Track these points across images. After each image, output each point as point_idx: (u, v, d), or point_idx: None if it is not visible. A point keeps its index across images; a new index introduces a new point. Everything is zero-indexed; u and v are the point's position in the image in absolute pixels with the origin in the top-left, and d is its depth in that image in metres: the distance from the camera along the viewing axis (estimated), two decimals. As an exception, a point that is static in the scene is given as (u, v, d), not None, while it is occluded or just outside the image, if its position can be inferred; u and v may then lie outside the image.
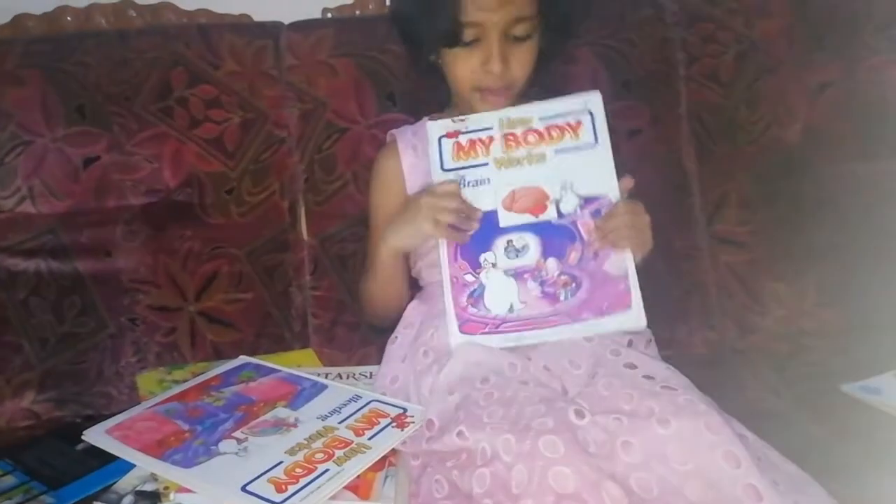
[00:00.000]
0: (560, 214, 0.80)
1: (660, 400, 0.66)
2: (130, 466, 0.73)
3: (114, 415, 0.79)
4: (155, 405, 0.80)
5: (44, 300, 0.97)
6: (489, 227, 0.81)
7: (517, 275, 0.80)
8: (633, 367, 0.72)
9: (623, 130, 1.04)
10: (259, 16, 1.10)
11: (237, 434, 0.73)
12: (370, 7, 1.11)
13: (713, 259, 1.08)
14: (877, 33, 1.11)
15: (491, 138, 0.84)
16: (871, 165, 1.10)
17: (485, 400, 0.70)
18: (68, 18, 1.07)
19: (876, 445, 0.81)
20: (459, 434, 0.67)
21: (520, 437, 0.63)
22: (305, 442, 0.72)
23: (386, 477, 0.72)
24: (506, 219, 0.81)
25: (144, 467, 0.72)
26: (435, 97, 0.96)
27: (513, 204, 0.81)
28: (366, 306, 0.96)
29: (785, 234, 1.09)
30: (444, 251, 0.81)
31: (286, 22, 1.08)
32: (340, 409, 0.77)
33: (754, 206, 1.09)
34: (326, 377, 0.88)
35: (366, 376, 0.93)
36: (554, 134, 0.82)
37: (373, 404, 0.78)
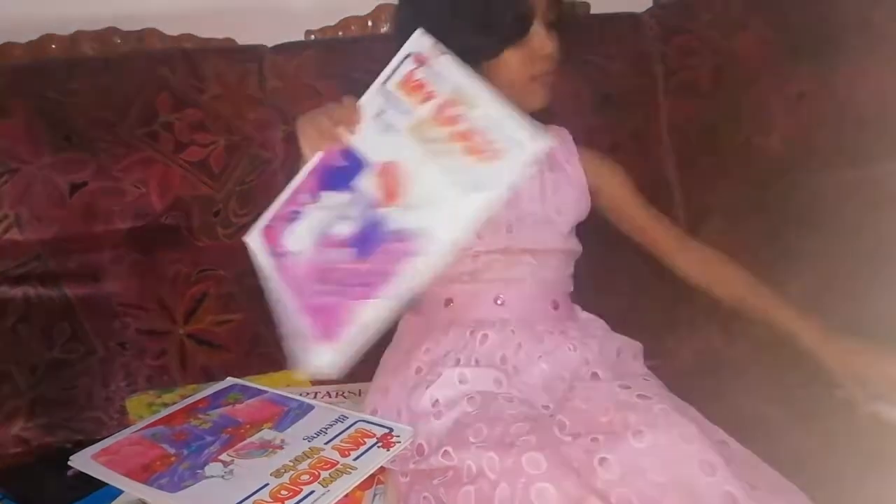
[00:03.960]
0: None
1: (636, 410, 0.66)
2: (120, 492, 0.73)
3: (103, 439, 0.79)
4: (141, 429, 0.80)
5: (32, 326, 0.98)
6: (351, 171, 0.71)
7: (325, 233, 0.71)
8: (609, 379, 0.72)
9: (604, 144, 1.05)
10: (242, 39, 1.11)
11: (223, 457, 0.73)
12: (352, 29, 1.12)
13: (698, 269, 1.09)
14: (851, 42, 1.12)
15: (433, 95, 0.69)
16: (851, 172, 1.11)
17: (472, 419, 0.70)
18: (53, 46, 1.08)
19: (864, 452, 0.81)
20: (445, 454, 0.67)
21: (503, 455, 0.63)
22: (291, 463, 0.72)
23: (374, 495, 0.72)
24: (367, 182, 0.70)
25: (131, 492, 0.71)
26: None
27: (381, 176, 0.70)
28: None
29: (769, 242, 1.09)
30: (308, 167, 0.74)
31: (269, 45, 1.09)
32: (327, 429, 0.77)
33: (737, 216, 1.09)
34: (315, 396, 0.88)
35: (354, 394, 0.93)
36: (474, 145, 0.66)
37: (359, 424, 0.78)
